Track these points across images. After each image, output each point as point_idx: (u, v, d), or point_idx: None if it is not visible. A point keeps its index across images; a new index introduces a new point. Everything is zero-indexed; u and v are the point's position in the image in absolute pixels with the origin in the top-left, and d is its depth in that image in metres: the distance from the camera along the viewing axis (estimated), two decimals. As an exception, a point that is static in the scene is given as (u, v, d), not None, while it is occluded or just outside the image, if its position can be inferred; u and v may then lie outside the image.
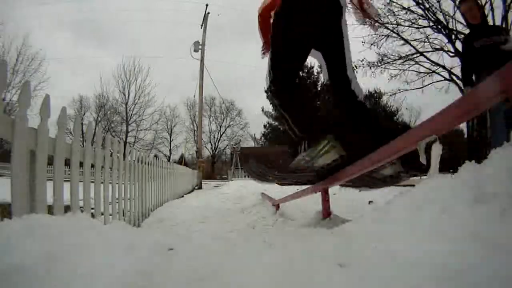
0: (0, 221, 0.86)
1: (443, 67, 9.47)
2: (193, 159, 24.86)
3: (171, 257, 0.87)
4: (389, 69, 10.15)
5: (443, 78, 9.73)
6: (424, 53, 9.60)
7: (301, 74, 1.89)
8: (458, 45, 8.98)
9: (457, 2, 7.52)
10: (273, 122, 27.19)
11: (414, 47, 9.54)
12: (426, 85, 10.09)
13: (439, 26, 8.97)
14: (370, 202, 4.38)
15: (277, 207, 3.30)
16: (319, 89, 26.50)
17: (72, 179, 1.67)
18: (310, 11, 1.39)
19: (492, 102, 0.86)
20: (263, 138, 28.64)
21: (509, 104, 2.04)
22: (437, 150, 0.96)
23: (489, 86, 0.82)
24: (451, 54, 9.15)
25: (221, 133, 30.52)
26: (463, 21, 8.66)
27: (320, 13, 1.44)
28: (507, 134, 2.14)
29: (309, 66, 26.23)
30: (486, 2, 8.18)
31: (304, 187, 2.58)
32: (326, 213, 1.93)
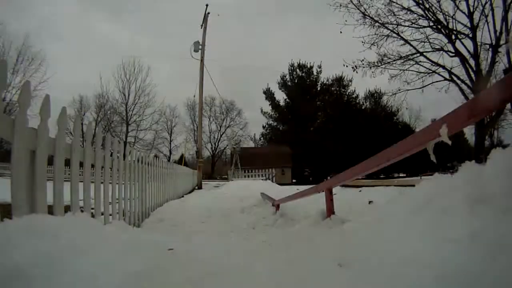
0: (0, 221, 0.86)
1: (443, 67, 9.47)
2: (193, 159, 24.88)
3: (171, 257, 0.87)
4: (389, 69, 10.15)
5: (443, 78, 9.73)
6: (424, 53, 9.60)
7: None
8: (458, 45, 8.99)
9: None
10: (272, 122, 27.28)
11: (414, 47, 9.54)
12: (426, 85, 10.09)
13: (439, 26, 8.97)
14: (370, 202, 4.38)
15: (277, 207, 3.29)
16: (318, 89, 26.50)
17: (72, 179, 1.67)
18: None
19: (497, 108, 0.85)
20: (262, 138, 28.72)
21: None
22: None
23: (494, 93, 0.80)
24: (451, 54, 9.15)
25: (221, 133, 30.60)
26: (463, 21, 8.67)
27: None
28: None
29: (308, 66, 26.26)
30: (486, 2, 8.19)
31: (304, 187, 2.58)
32: (330, 212, 1.92)
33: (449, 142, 0.91)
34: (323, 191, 2.04)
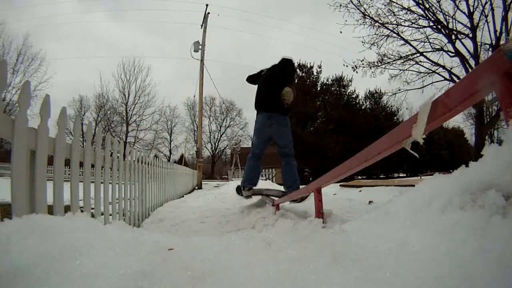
0: (0, 221, 0.86)
1: (443, 67, 9.47)
2: (193, 159, 24.89)
3: (171, 257, 0.87)
4: (389, 69, 10.17)
5: (443, 78, 9.73)
6: (424, 53, 9.61)
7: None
8: (458, 45, 8.99)
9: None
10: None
11: (414, 47, 9.55)
12: (426, 85, 10.10)
13: (439, 26, 8.97)
14: (370, 202, 4.38)
15: (277, 207, 3.30)
16: (318, 89, 26.49)
17: (72, 179, 1.67)
18: None
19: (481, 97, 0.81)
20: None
21: None
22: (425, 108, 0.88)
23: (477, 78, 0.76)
24: (451, 54, 9.15)
25: (221, 133, 30.59)
26: (463, 21, 8.67)
27: None
28: None
29: (309, 66, 26.22)
30: (486, 2, 8.19)
31: (303, 187, 2.59)
32: (319, 213, 1.94)
33: (421, 141, 0.88)
34: (312, 192, 2.06)
